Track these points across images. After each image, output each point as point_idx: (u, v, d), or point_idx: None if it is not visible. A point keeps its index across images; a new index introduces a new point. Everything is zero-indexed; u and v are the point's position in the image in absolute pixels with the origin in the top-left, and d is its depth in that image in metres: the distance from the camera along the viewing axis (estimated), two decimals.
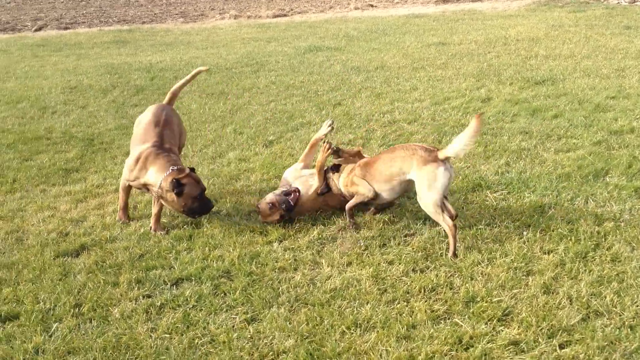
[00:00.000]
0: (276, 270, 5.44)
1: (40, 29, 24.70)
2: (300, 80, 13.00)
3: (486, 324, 4.53)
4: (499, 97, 10.56)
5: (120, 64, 15.92)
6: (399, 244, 5.74)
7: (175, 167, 6.20)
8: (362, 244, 5.78)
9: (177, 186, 6.05)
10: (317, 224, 6.22)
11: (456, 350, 4.29)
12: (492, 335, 4.42)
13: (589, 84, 11.00)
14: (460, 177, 7.09)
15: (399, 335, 4.44)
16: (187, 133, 8.77)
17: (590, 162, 7.27)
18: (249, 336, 4.56)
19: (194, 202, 6.20)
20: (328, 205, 6.45)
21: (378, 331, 4.50)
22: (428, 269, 5.31)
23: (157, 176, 6.18)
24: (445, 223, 5.48)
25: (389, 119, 9.67)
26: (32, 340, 4.60)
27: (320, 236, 5.99)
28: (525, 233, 5.75)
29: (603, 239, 5.60)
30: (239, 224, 6.35)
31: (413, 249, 5.61)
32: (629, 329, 4.40)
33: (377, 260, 5.47)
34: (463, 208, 6.37)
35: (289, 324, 4.65)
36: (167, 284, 5.29)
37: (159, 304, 5.00)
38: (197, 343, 4.53)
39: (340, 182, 6.26)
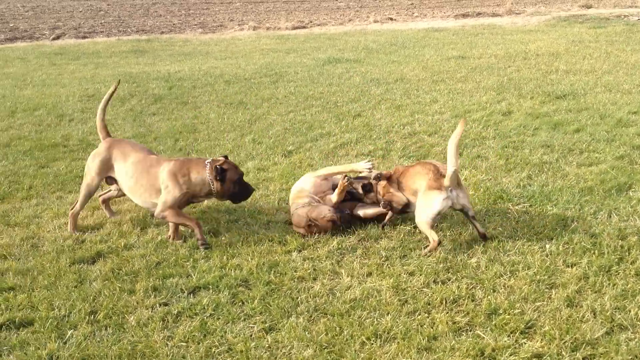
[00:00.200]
0: (295, 280, 5.37)
1: (58, 37, 24.86)
2: (320, 91, 12.98)
3: (509, 336, 4.44)
4: (520, 110, 10.50)
5: (139, 73, 15.96)
6: (419, 255, 5.67)
7: (210, 159, 6.28)
8: (382, 254, 5.71)
9: (220, 172, 6.10)
10: (336, 234, 6.15)
11: None
12: (515, 347, 4.33)
13: (610, 99, 10.92)
14: (482, 190, 7.02)
15: (420, 347, 4.36)
16: (206, 142, 8.69)
17: (613, 177, 7.18)
18: (267, 345, 4.48)
19: (235, 186, 6.24)
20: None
21: (398, 342, 4.42)
22: (450, 280, 5.23)
23: (203, 173, 6.17)
24: (431, 237, 5.72)
25: (409, 131, 9.63)
26: (46, 347, 4.53)
27: (340, 246, 5.92)
28: (547, 246, 5.65)
29: (627, 253, 5.51)
30: (257, 233, 6.30)
31: (434, 260, 5.53)
32: None
33: (398, 271, 5.40)
34: (485, 220, 6.30)
35: (308, 333, 4.57)
36: (184, 292, 5.22)
37: (175, 312, 4.93)
38: (214, 352, 4.45)
39: (379, 190, 6.36)
